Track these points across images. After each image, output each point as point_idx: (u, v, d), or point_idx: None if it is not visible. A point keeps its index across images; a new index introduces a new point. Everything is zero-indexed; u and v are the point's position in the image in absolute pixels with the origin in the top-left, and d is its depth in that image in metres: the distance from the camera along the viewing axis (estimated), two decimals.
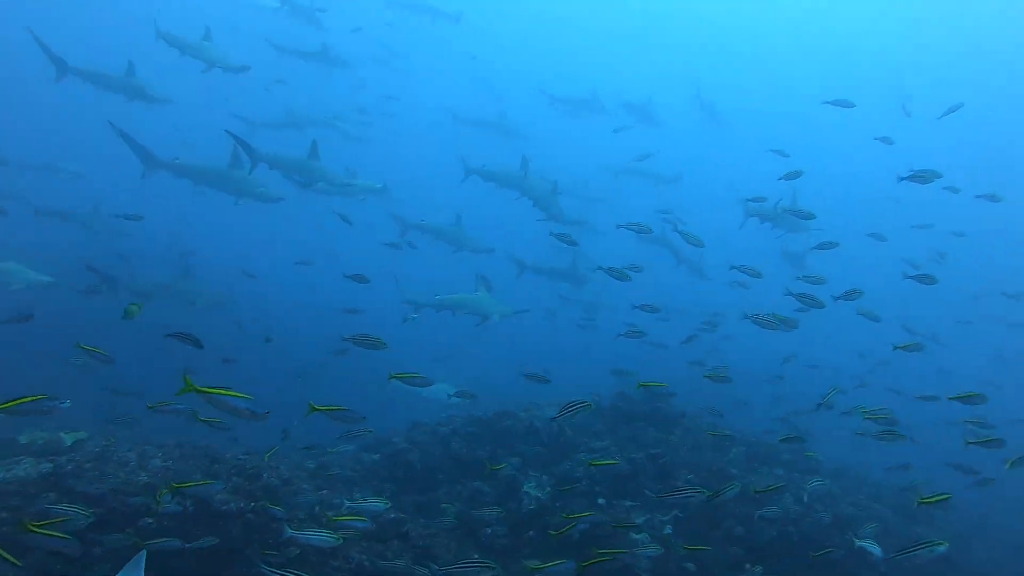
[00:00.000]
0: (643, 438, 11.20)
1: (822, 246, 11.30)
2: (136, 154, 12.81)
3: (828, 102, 12.81)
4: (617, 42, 45.09)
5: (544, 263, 17.90)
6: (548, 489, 9.77)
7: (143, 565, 4.79)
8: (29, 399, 5.12)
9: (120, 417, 8.52)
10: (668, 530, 9.89)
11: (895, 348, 9.34)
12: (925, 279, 9.74)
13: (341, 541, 6.38)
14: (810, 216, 10.28)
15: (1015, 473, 9.50)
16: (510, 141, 25.34)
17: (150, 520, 6.69)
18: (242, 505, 7.16)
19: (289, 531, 6.60)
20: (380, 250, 15.79)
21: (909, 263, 13.82)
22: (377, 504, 7.46)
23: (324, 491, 8.33)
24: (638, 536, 9.58)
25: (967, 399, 8.12)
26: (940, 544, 6.41)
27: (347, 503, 7.56)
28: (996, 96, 37.42)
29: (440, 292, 14.05)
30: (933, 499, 7.02)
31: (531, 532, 9.40)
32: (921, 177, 9.42)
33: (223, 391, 5.17)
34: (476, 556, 8.92)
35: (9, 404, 4.97)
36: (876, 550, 8.14)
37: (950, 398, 8.39)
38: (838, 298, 10.17)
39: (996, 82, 38.86)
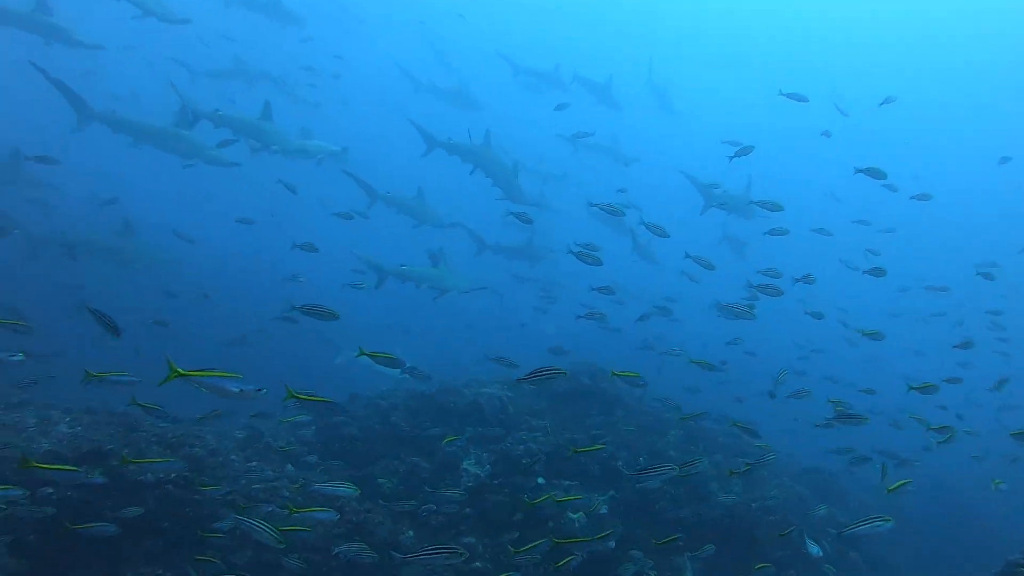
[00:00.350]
0: (585, 419, 11.13)
1: (774, 231, 11.43)
2: (70, 103, 11.76)
3: (785, 94, 12.82)
4: (581, 19, 44.53)
5: (503, 241, 17.55)
6: (488, 467, 9.58)
7: None
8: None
9: (24, 382, 7.73)
10: (604, 510, 9.89)
11: (910, 388, 9.05)
12: (876, 272, 9.97)
13: (284, 545, 5.91)
14: (777, 207, 10.33)
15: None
16: (468, 113, 24.56)
17: (50, 490, 6.15)
18: (161, 476, 6.69)
19: (231, 518, 6.13)
20: (329, 219, 15.16)
21: (846, 262, 14.14)
22: (346, 488, 6.89)
23: (253, 463, 7.90)
24: (575, 516, 9.56)
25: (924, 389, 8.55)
26: (887, 520, 6.50)
27: (316, 486, 7.00)
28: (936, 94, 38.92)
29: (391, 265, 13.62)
30: (897, 487, 7.24)
31: (468, 509, 9.21)
32: (873, 173, 9.59)
33: (211, 373, 4.90)
34: (411, 533, 8.70)
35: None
36: (815, 550, 8.33)
37: (911, 388, 8.69)
38: (798, 280, 10.60)
39: (937, 82, 40.32)
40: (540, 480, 9.60)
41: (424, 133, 14.50)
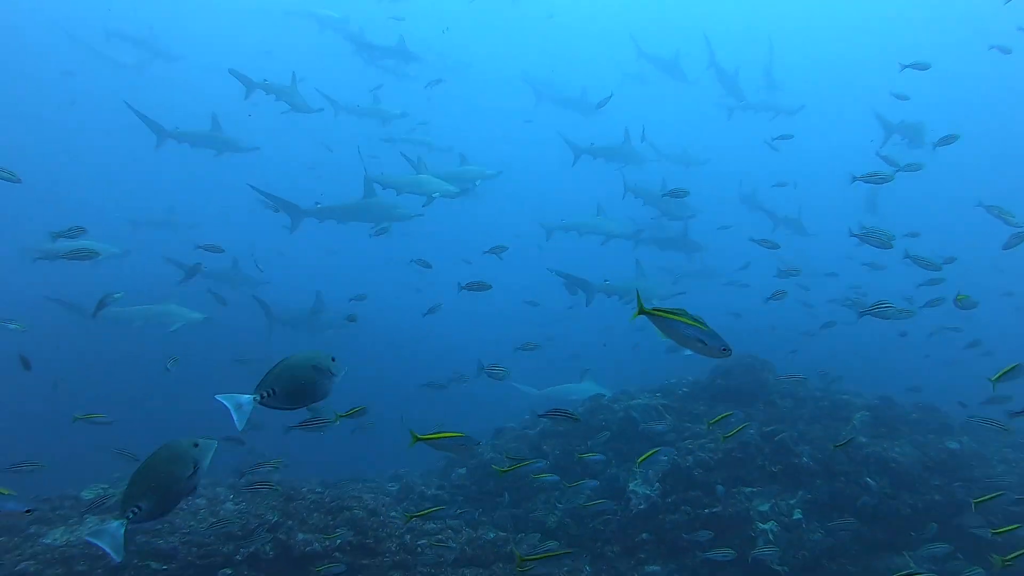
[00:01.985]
0: (752, 416, 10.00)
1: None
2: (284, 209, 12.55)
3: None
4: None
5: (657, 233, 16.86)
6: (657, 484, 8.72)
7: None
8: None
9: None
10: (798, 515, 8.75)
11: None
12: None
13: None
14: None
15: None
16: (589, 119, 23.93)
17: (228, 571, 5.99)
18: (327, 544, 6.41)
19: None
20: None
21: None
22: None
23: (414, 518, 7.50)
24: (765, 526, 8.51)
25: None
26: None
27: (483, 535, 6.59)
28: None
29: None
30: None
31: (644, 534, 8.39)
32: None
33: (446, 435, 5.06)
34: (588, 569, 7.99)
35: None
36: None
37: None
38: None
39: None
40: (720, 489, 8.60)
41: (570, 144, 15.52)
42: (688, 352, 4.36)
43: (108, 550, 3.31)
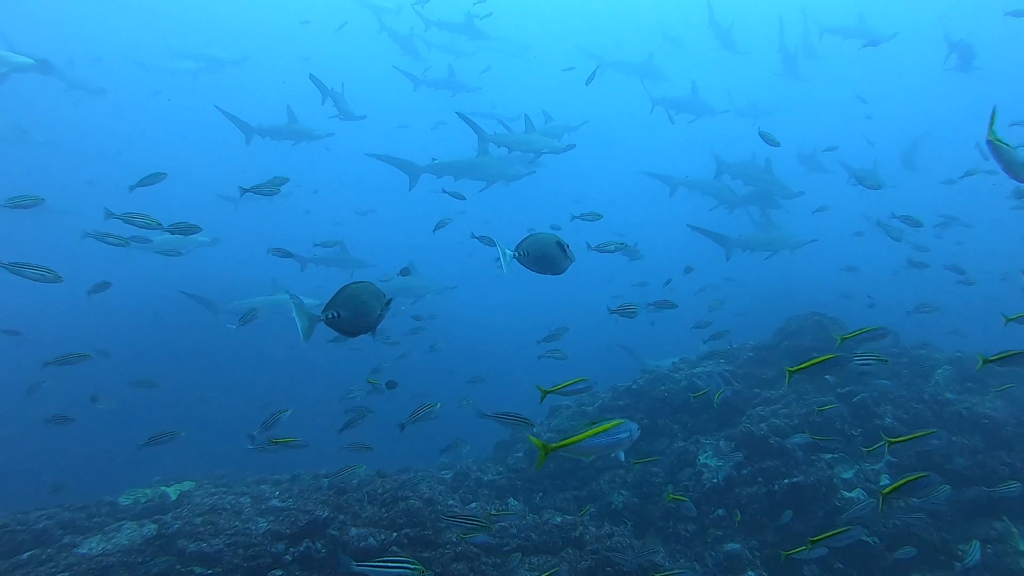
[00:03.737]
0: (823, 379, 9.23)
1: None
2: (402, 168, 12.49)
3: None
4: None
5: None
6: (729, 456, 8.03)
7: None
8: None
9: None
10: (885, 480, 8.01)
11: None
12: None
13: None
14: None
15: None
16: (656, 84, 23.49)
17: (279, 573, 5.47)
18: (383, 538, 5.85)
19: None
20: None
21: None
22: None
23: (473, 504, 6.94)
24: (850, 494, 7.78)
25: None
26: None
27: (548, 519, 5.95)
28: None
29: None
30: None
31: (720, 511, 7.72)
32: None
33: (585, 435, 4.41)
34: (662, 551, 7.34)
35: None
36: None
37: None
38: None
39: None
40: (799, 455, 7.88)
41: (718, 160, 14.68)
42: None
43: (300, 328, 3.85)
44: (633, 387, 9.14)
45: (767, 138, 8.76)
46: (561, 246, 4.77)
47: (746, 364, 9.53)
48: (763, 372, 9.35)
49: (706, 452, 8.15)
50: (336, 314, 3.96)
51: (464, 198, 11.06)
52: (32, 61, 13.99)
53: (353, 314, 4.00)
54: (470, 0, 21.08)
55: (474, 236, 7.39)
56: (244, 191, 7.35)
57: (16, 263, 5.68)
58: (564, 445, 4.11)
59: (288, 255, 11.34)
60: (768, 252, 13.42)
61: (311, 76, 13.79)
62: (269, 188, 7.19)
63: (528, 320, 19.73)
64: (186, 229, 6.66)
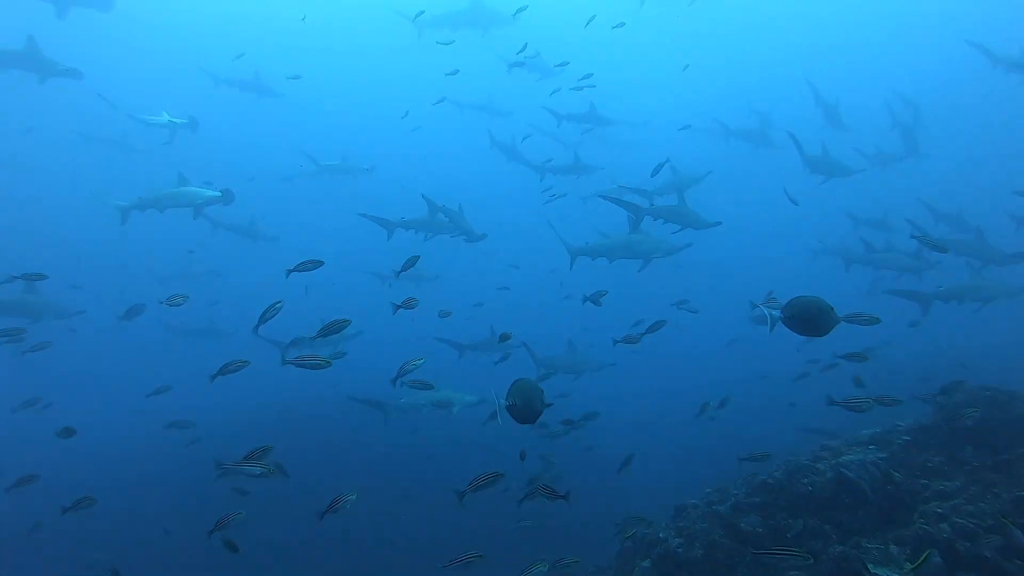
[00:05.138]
0: (1010, 463, 7.61)
1: None
2: (567, 248, 12.78)
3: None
4: None
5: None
6: (907, 564, 6.50)
7: None
8: None
9: None
10: None
11: None
12: None
13: None
14: None
15: None
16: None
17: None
18: None
19: None
20: None
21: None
22: None
23: None
24: None
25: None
26: None
27: None
28: None
29: None
30: None
31: None
32: None
33: None
34: None
35: None
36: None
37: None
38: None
39: None
40: (1010, 569, 6.25)
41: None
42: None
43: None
44: (769, 481, 7.77)
45: None
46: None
47: (903, 450, 8.03)
48: (928, 459, 7.81)
49: (874, 559, 6.65)
50: (514, 403, 4.87)
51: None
52: (218, 194, 12.92)
53: (524, 403, 4.87)
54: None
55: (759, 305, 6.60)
56: None
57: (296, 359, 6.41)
58: None
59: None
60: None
61: (423, 195, 13.60)
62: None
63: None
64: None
